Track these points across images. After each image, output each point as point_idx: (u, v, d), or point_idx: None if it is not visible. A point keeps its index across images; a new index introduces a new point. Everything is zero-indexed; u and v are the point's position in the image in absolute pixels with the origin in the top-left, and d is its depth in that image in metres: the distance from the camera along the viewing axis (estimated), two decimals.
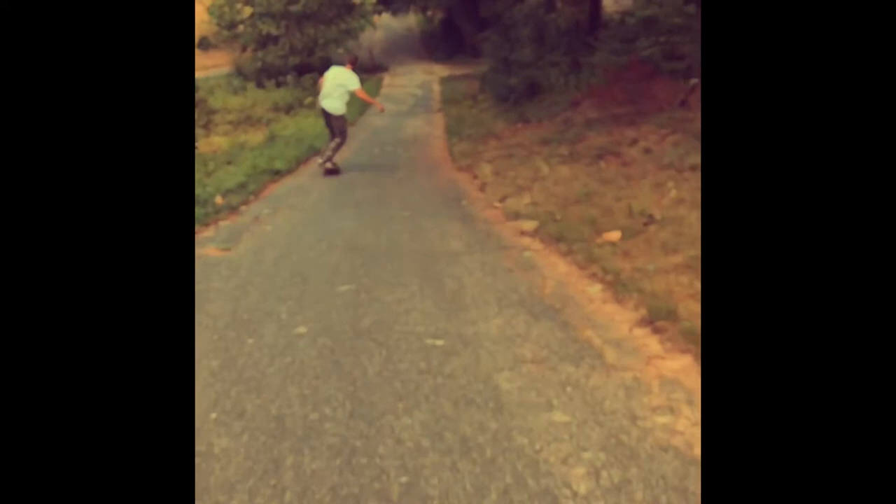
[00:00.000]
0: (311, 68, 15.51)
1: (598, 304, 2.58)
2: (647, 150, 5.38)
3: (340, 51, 16.28)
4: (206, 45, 18.83)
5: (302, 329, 2.57)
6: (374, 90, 14.43)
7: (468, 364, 2.13)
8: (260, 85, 15.16)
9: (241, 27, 16.62)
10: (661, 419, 1.74)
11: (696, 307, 2.26)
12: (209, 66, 17.81)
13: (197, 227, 4.54)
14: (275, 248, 4.03)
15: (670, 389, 1.90)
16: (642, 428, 1.71)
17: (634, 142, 5.81)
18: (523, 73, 10.63)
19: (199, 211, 4.85)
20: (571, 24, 14.08)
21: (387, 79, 16.97)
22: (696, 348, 2.04)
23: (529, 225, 3.92)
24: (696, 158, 4.37)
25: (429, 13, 22.74)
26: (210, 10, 16.58)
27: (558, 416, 1.79)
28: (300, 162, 7.96)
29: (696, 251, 2.80)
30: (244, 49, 16.85)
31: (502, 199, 4.86)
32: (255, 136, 10.40)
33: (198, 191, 5.61)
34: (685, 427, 1.70)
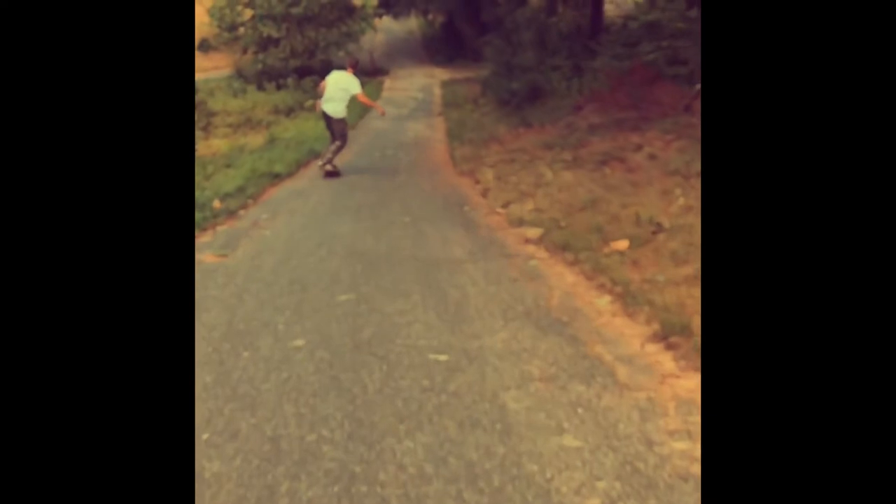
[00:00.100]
0: (312, 71, 15.46)
1: (607, 318, 2.48)
2: (653, 157, 5.30)
3: (341, 54, 16.24)
4: (207, 46, 18.77)
5: (300, 341, 2.48)
6: (375, 93, 14.36)
7: (473, 381, 2.03)
8: (260, 87, 15.09)
9: (241, 29, 16.57)
10: (679, 445, 1.65)
11: None
12: (209, 68, 17.75)
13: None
14: (273, 253, 3.94)
15: (687, 411, 1.80)
16: (659, 455, 1.61)
17: (639, 147, 5.72)
18: (525, 77, 10.57)
19: (196, 215, 4.76)
20: (573, 29, 14.04)
21: (387, 82, 16.91)
22: None
23: (534, 232, 3.83)
24: None
25: (430, 16, 22.73)
26: (210, 12, 16.54)
27: (570, 441, 1.69)
28: (300, 165, 7.87)
29: None
30: (245, 51, 16.80)
31: (505, 205, 4.77)
32: (255, 139, 10.32)
33: (196, 194, 5.52)
34: None
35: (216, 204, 5.60)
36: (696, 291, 2.52)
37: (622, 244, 3.26)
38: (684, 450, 1.63)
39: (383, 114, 8.19)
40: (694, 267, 2.78)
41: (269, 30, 15.89)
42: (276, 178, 7.05)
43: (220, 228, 4.92)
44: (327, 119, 6.73)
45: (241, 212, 5.55)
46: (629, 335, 2.30)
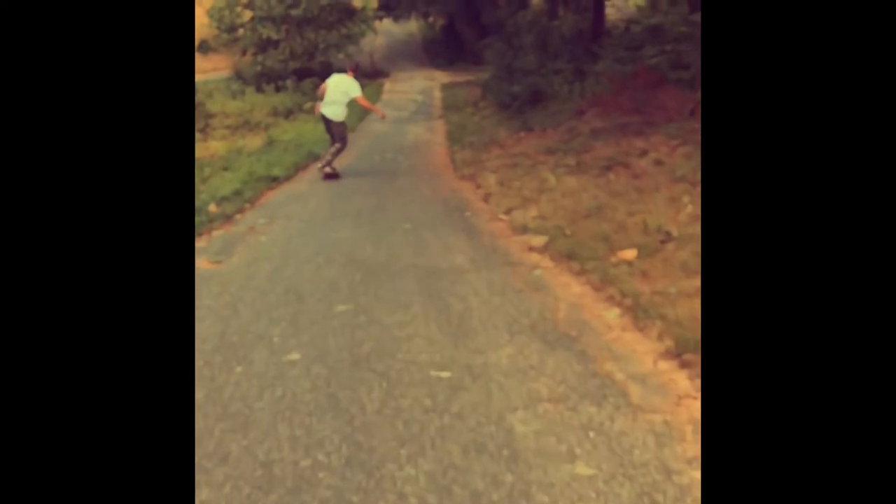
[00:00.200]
0: (312, 73, 15.39)
1: (617, 332, 2.38)
2: (658, 162, 5.20)
3: (341, 56, 16.17)
4: (206, 48, 18.69)
5: (295, 355, 2.37)
6: (375, 96, 14.29)
7: (478, 401, 1.93)
8: (259, 89, 15.01)
9: (241, 31, 16.50)
10: (699, 475, 1.54)
11: None
12: (208, 70, 17.67)
13: None
14: (269, 260, 3.83)
15: None
16: (679, 485, 1.51)
17: (644, 153, 5.63)
18: (526, 81, 10.50)
19: None
20: (574, 32, 13.99)
21: (387, 84, 16.83)
22: None
23: (538, 240, 3.73)
24: None
25: (430, 19, 22.68)
26: (210, 14, 16.47)
27: (582, 469, 1.58)
28: (299, 168, 7.78)
29: None
30: (244, 53, 16.73)
31: (508, 212, 4.67)
32: (254, 141, 10.22)
33: None
34: None
35: (212, 208, 5.49)
36: None
37: (630, 254, 3.16)
38: None
39: (384, 117, 8.14)
40: None
41: (269, 31, 15.81)
42: (274, 181, 6.95)
43: (215, 233, 4.82)
44: (327, 122, 6.75)
45: (238, 216, 5.45)
46: (641, 352, 2.19)
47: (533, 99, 10.33)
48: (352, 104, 6.81)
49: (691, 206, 3.74)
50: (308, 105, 12.59)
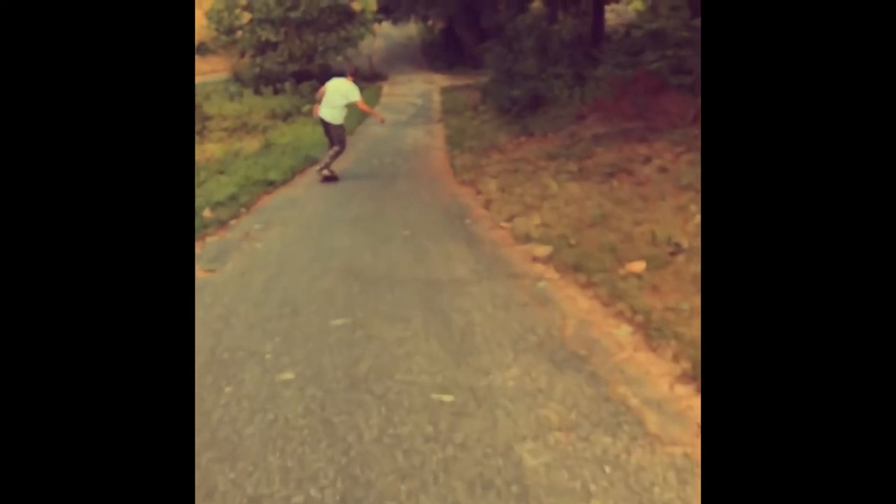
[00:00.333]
0: (310, 75, 15.28)
1: (629, 352, 2.25)
2: (663, 169, 5.09)
3: (340, 59, 16.07)
4: (204, 50, 18.57)
5: (289, 375, 2.24)
6: (374, 99, 14.20)
7: (483, 429, 1.80)
8: (257, 91, 14.89)
9: (239, 33, 16.38)
10: None
11: None
12: (207, 72, 17.54)
13: None
14: (264, 269, 3.70)
15: None
16: None
17: (648, 160, 5.52)
18: (526, 85, 10.41)
19: None
20: (574, 37, 13.94)
21: (386, 88, 16.74)
22: None
23: (542, 250, 3.61)
24: None
25: (429, 22, 22.60)
26: (208, 15, 16.36)
27: None
28: (296, 172, 7.66)
29: None
30: (242, 55, 16.61)
31: (509, 219, 4.55)
32: (251, 144, 10.09)
33: None
34: None
35: (206, 213, 5.35)
36: None
37: (638, 266, 3.04)
38: None
39: (382, 121, 8.08)
40: None
41: (267, 34, 15.71)
42: (271, 185, 6.84)
43: (209, 240, 4.69)
44: (325, 125, 6.75)
45: (233, 221, 5.32)
46: (655, 374, 2.07)
47: (533, 103, 10.25)
48: (350, 107, 6.81)
49: (699, 216, 3.63)
50: (306, 108, 12.48)
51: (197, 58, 18.04)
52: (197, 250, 4.23)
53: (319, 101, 6.72)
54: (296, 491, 1.58)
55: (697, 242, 3.20)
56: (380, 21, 19.24)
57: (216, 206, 5.67)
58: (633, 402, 1.90)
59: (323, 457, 1.71)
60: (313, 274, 3.50)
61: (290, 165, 7.80)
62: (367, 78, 16.60)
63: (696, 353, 2.09)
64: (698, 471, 1.58)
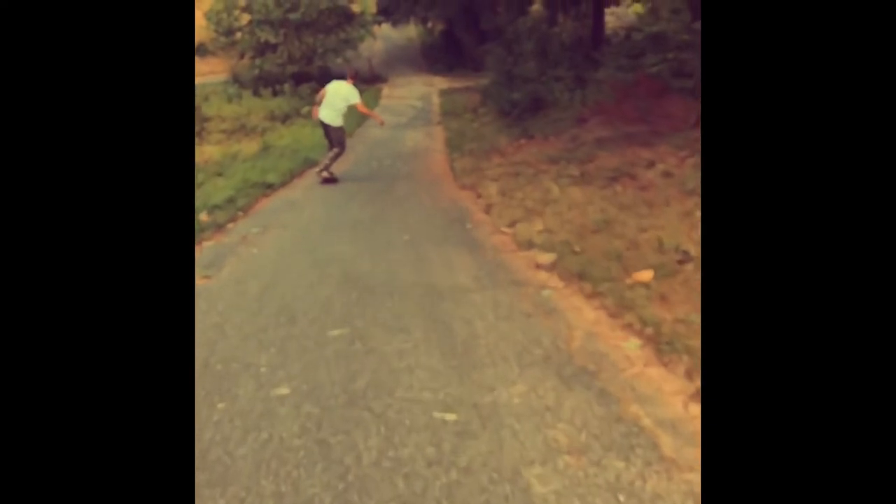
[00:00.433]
0: (310, 77, 15.20)
1: (639, 367, 2.16)
2: (667, 174, 5.01)
3: (339, 60, 16.00)
4: (204, 51, 18.48)
5: (284, 390, 2.14)
6: (373, 101, 14.13)
7: (489, 452, 1.70)
8: (256, 93, 14.80)
9: (238, 34, 16.31)
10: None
11: None
12: (206, 73, 17.45)
13: None
14: (260, 276, 3.61)
15: None
16: None
17: (651, 164, 5.44)
18: (526, 88, 10.34)
19: None
20: (574, 40, 13.88)
21: (386, 90, 16.66)
22: None
23: (545, 257, 3.52)
24: None
25: (429, 25, 22.55)
26: (208, 17, 16.28)
27: None
28: (294, 175, 7.57)
29: None
30: (241, 56, 16.53)
31: (511, 224, 4.47)
32: (249, 146, 10.00)
33: None
34: None
35: (203, 217, 5.26)
36: None
37: (646, 275, 2.95)
38: None
39: (382, 123, 8.03)
40: None
41: (267, 35, 15.63)
42: (269, 188, 6.76)
43: (206, 244, 4.59)
44: (325, 127, 6.76)
45: (230, 225, 5.23)
46: (668, 392, 1.98)
47: (533, 106, 10.18)
48: (350, 109, 6.82)
49: None
50: (305, 110, 12.41)
51: (196, 59, 17.97)
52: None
53: (319, 104, 6.74)
54: None
55: None
56: (379, 23, 19.19)
57: (213, 209, 5.58)
58: (646, 422, 1.81)
59: (319, 482, 1.62)
60: (311, 281, 3.40)
61: (289, 168, 7.72)
62: (367, 80, 16.53)
63: None
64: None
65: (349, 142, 7.68)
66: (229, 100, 14.47)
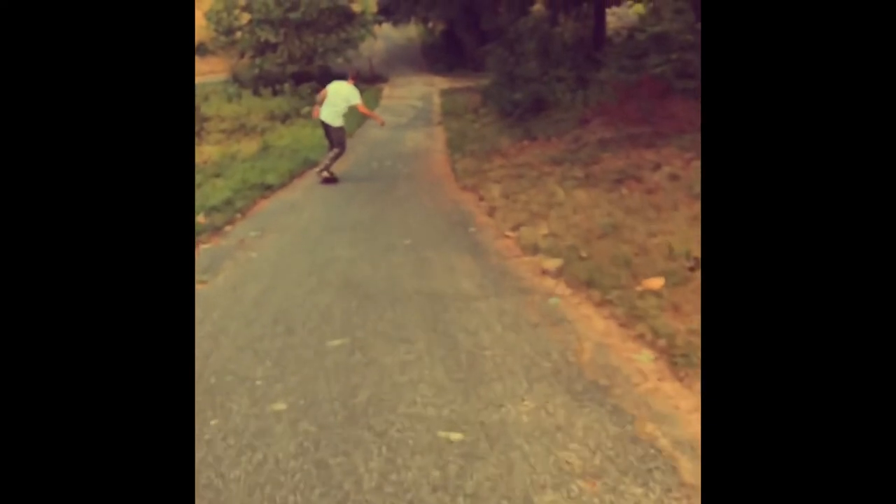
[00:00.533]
0: (310, 77, 15.12)
1: (653, 382, 2.06)
2: (674, 177, 4.91)
3: (340, 60, 15.91)
4: (204, 50, 18.38)
5: (280, 405, 2.04)
6: (374, 101, 14.03)
7: (497, 476, 1.60)
8: (256, 93, 14.72)
9: (238, 33, 16.22)
10: None
11: None
12: (206, 73, 17.37)
13: None
14: (258, 281, 3.51)
15: None
16: None
17: (657, 166, 5.34)
18: (528, 88, 10.25)
19: None
20: (576, 40, 13.79)
21: (386, 90, 16.57)
22: None
23: (551, 263, 3.42)
24: None
25: (430, 24, 22.46)
26: (208, 16, 16.19)
27: None
28: (294, 176, 7.48)
29: None
30: (241, 56, 16.45)
31: (515, 228, 4.36)
32: (249, 146, 9.92)
33: None
34: None
35: (200, 219, 5.17)
36: None
37: (656, 282, 2.85)
38: None
39: (382, 124, 7.98)
40: None
41: (267, 34, 15.54)
42: (268, 189, 6.67)
43: (202, 247, 4.50)
44: (326, 127, 6.73)
45: (228, 228, 5.13)
46: (685, 409, 1.88)
47: (535, 107, 10.10)
48: (350, 110, 6.80)
49: None
50: (305, 109, 12.32)
51: (196, 58, 17.87)
52: None
53: (320, 104, 6.71)
54: None
55: None
56: (380, 23, 19.09)
57: (211, 211, 5.48)
58: (664, 443, 1.71)
59: None
60: (309, 287, 3.30)
61: (289, 168, 7.63)
62: (367, 80, 16.44)
63: None
64: None
65: (349, 142, 7.60)
66: (229, 99, 14.39)
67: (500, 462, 1.65)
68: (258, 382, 2.22)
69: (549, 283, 3.19)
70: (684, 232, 3.51)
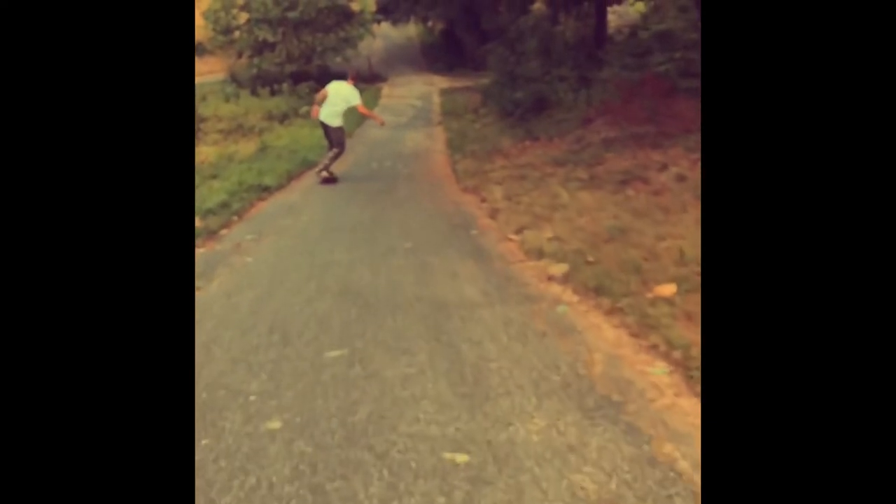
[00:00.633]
0: (308, 77, 15.01)
1: (669, 398, 1.95)
2: (681, 178, 4.81)
3: (339, 59, 15.80)
4: (201, 50, 18.25)
5: (275, 423, 1.93)
6: (373, 101, 13.93)
7: (507, 503, 1.49)
8: (254, 92, 14.61)
9: (236, 33, 16.11)
10: None
11: None
12: (204, 72, 17.25)
13: None
14: (254, 288, 3.40)
15: None
16: None
17: (664, 167, 5.24)
18: (529, 88, 10.14)
19: None
20: (577, 39, 13.68)
21: (385, 89, 16.46)
22: None
23: (557, 268, 3.31)
24: None
25: (429, 24, 22.34)
26: (205, 15, 16.08)
27: None
28: (292, 177, 7.38)
29: None
30: (239, 55, 16.34)
31: (518, 231, 4.25)
32: (246, 147, 9.80)
33: None
34: None
35: (196, 223, 5.05)
36: None
37: (668, 289, 2.74)
38: None
39: (382, 124, 7.89)
40: None
41: (265, 34, 15.43)
42: (265, 191, 6.56)
43: (197, 252, 4.38)
44: (325, 127, 6.68)
45: (224, 231, 5.02)
46: None
47: (537, 106, 9.99)
48: (350, 110, 6.75)
49: None
50: (304, 109, 12.20)
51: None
52: None
53: (320, 103, 6.64)
54: None
55: None
56: (379, 22, 18.99)
57: (207, 214, 5.37)
58: (683, 465, 1.60)
59: None
60: (307, 295, 3.19)
61: (287, 169, 7.52)
62: (366, 79, 16.33)
63: None
64: None
65: (349, 142, 7.50)
66: (227, 99, 14.28)
67: (509, 487, 1.54)
68: (252, 398, 2.11)
69: (556, 289, 3.08)
70: (694, 235, 3.40)
